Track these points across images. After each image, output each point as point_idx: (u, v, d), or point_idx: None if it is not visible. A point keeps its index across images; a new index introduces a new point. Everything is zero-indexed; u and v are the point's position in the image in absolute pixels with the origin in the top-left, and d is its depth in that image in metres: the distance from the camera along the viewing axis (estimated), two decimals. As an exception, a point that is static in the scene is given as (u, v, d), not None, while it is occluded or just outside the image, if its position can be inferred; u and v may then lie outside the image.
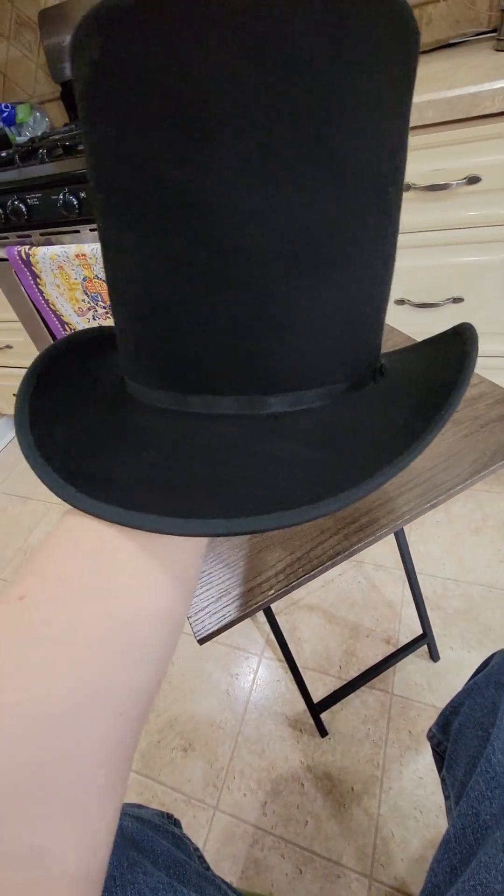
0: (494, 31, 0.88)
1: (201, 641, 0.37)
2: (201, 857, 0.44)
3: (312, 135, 0.15)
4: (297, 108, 0.15)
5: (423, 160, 0.71)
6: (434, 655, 0.86)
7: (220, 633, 0.37)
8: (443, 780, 0.42)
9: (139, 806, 0.47)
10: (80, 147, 0.97)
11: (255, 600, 0.39)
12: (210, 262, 0.17)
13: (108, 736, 0.16)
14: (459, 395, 0.18)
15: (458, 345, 0.22)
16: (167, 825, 0.45)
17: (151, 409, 0.21)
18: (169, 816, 0.49)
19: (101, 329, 0.29)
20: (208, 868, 0.44)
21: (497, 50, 0.80)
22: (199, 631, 0.37)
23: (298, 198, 0.16)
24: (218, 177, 0.15)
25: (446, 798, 0.41)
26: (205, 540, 0.20)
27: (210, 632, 0.37)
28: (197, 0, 0.13)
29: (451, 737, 0.43)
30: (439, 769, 0.44)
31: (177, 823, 0.49)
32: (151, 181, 0.16)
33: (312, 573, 0.40)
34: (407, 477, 0.44)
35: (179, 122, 0.15)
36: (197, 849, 0.45)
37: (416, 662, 0.88)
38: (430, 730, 0.46)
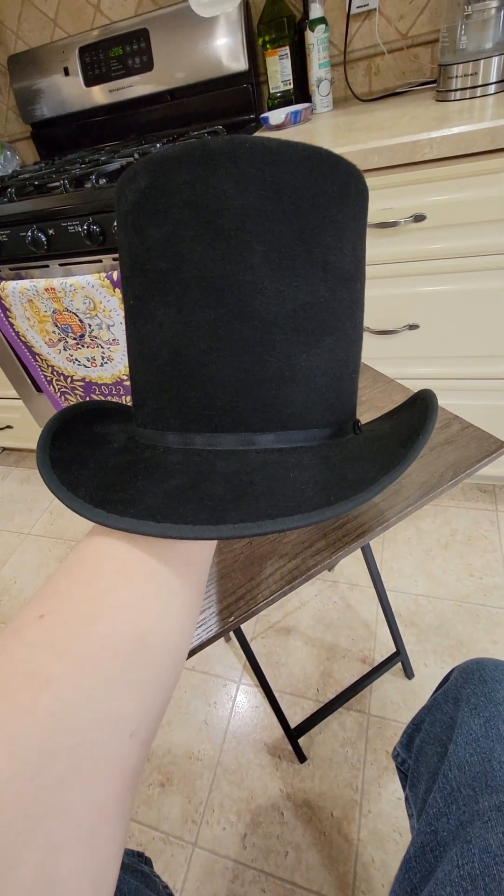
0: (435, 81, 0.96)
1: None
2: (171, 896, 0.44)
3: (309, 245, 0.22)
4: (301, 229, 0.21)
5: (372, 200, 0.76)
6: (408, 673, 0.87)
7: (202, 648, 0.38)
8: (406, 799, 0.43)
9: (108, 846, 0.47)
10: (51, 185, 1.00)
11: (222, 624, 0.40)
12: (237, 328, 0.22)
13: (119, 757, 0.16)
14: (432, 424, 0.23)
15: (419, 402, 0.28)
16: (136, 864, 0.44)
17: (163, 449, 0.24)
18: (139, 855, 0.48)
19: (98, 402, 0.33)
20: (178, 906, 0.43)
21: (437, 100, 0.87)
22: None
23: (301, 284, 0.22)
24: (249, 269, 0.21)
25: (410, 817, 0.42)
26: (210, 561, 0.23)
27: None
28: (229, 154, 0.20)
29: (413, 754, 0.44)
30: (404, 788, 0.45)
31: (147, 862, 0.48)
32: (196, 271, 0.21)
33: (271, 598, 0.41)
34: (360, 501, 0.46)
35: (222, 233, 0.21)
36: (166, 886, 0.44)
37: (391, 681, 0.88)
38: (394, 748, 0.47)
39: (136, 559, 0.19)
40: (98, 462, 0.25)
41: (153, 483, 0.21)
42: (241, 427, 0.23)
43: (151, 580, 0.19)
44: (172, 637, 0.19)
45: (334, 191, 0.22)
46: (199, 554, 0.22)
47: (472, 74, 0.79)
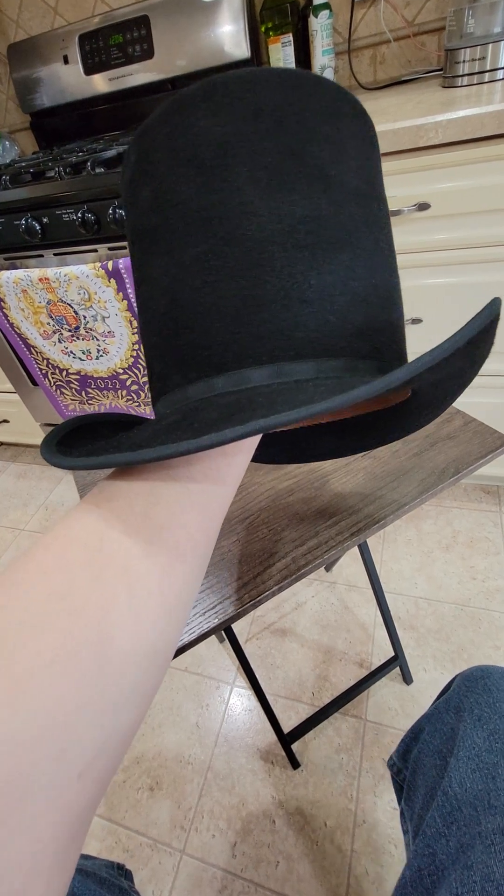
0: (442, 69, 0.93)
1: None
2: (150, 913, 0.41)
3: (301, 158, 0.21)
4: (288, 144, 0.21)
5: (375, 188, 0.74)
6: (407, 678, 0.85)
7: (181, 652, 0.36)
8: (401, 813, 0.41)
9: (86, 857, 0.44)
10: (48, 174, 0.98)
11: (207, 625, 0.37)
12: (228, 253, 0.20)
13: (61, 803, 0.13)
14: (470, 328, 0.16)
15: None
16: (115, 878, 0.42)
17: (168, 412, 0.22)
18: (119, 867, 0.46)
19: (110, 414, 0.29)
20: (157, 924, 0.41)
21: (444, 86, 0.84)
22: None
23: (298, 199, 0.21)
24: (236, 192, 0.20)
25: (405, 833, 0.39)
26: (205, 560, 0.20)
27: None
28: (202, 94, 0.20)
29: (410, 765, 0.41)
30: (399, 800, 0.42)
31: (127, 875, 0.46)
32: (182, 212, 0.21)
33: (259, 598, 0.39)
34: (356, 498, 0.44)
35: (203, 166, 0.20)
36: (146, 903, 0.42)
37: (389, 686, 0.86)
38: (390, 757, 0.45)
39: (110, 549, 0.16)
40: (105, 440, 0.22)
41: (139, 431, 0.20)
42: (246, 361, 0.20)
43: (124, 577, 0.16)
44: (144, 643, 0.16)
45: (322, 107, 0.21)
46: (188, 543, 0.18)
47: (479, 59, 0.77)
